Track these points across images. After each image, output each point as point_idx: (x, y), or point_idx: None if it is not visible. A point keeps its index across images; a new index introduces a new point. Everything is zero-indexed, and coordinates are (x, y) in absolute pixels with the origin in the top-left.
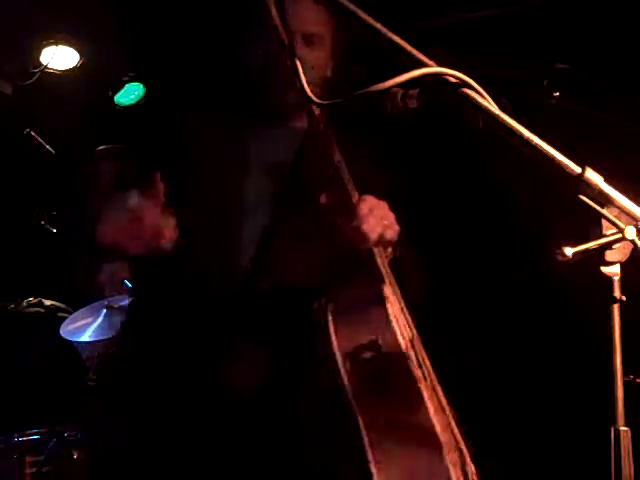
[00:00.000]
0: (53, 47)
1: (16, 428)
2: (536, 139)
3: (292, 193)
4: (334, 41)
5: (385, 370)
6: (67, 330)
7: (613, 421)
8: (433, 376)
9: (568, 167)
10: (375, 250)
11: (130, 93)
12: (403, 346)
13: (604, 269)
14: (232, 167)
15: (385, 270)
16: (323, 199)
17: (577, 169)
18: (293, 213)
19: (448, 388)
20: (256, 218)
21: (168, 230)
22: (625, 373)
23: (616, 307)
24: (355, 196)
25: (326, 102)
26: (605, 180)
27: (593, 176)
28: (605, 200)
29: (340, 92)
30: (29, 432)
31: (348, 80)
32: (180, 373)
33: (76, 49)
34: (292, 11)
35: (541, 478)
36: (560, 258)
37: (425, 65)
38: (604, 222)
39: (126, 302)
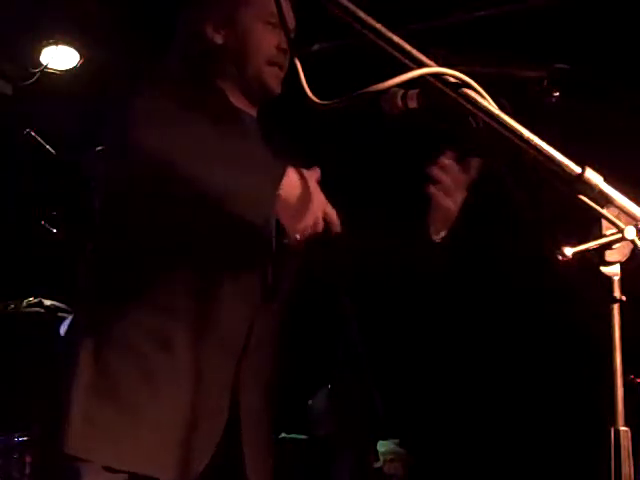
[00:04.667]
0: (53, 47)
1: (16, 428)
2: (536, 139)
3: None
4: None
5: None
6: None
7: (613, 421)
8: None
9: (568, 167)
10: None
11: None
12: None
13: (604, 269)
14: None
15: None
16: None
17: (577, 169)
18: None
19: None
20: None
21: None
22: (625, 373)
23: (616, 307)
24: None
25: (326, 102)
26: (605, 180)
27: (593, 176)
28: (605, 200)
29: None
30: (29, 432)
31: None
32: None
33: (76, 49)
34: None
35: (541, 478)
36: (560, 258)
37: (425, 65)
38: (604, 222)
39: None
